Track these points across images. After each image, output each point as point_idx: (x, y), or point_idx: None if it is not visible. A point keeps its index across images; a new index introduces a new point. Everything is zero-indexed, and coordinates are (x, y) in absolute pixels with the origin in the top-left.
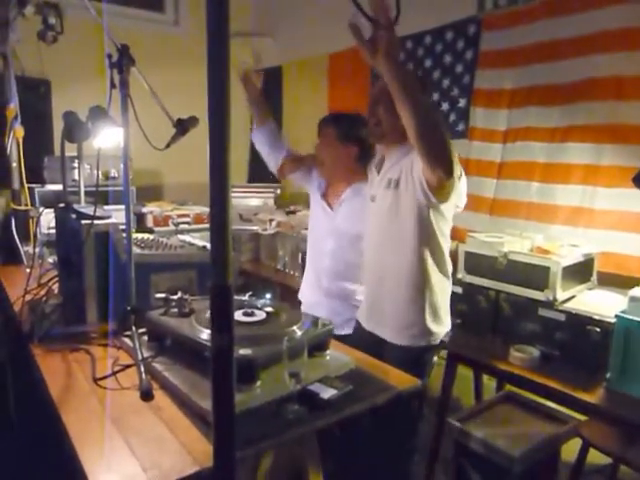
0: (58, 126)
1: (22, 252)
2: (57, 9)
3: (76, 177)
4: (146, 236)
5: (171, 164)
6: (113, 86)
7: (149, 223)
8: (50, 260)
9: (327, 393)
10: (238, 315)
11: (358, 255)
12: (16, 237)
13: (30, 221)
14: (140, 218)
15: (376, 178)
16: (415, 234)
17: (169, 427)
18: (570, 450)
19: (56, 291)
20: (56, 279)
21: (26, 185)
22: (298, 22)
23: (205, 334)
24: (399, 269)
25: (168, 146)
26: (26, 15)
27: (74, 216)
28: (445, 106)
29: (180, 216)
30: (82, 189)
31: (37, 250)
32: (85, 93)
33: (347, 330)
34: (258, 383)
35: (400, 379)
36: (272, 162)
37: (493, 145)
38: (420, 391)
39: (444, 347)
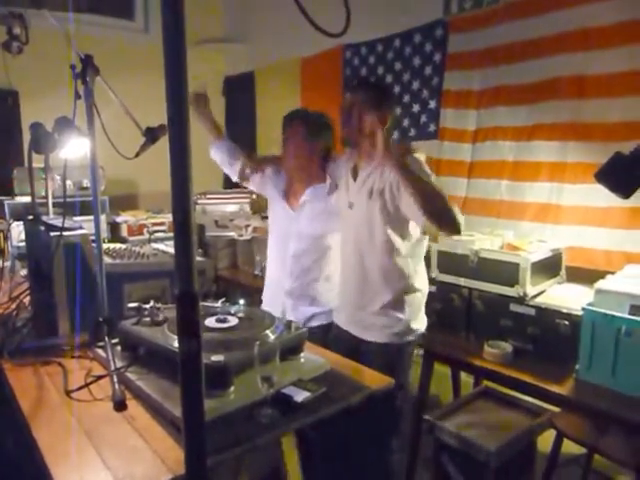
0: (27, 137)
1: None
2: (21, 19)
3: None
4: (118, 246)
5: (145, 172)
6: (78, 97)
7: (124, 232)
8: (22, 273)
9: (300, 396)
10: (211, 322)
11: (320, 254)
12: None
13: (0, 234)
14: (115, 227)
15: (352, 185)
16: (398, 241)
17: (143, 437)
18: (545, 442)
19: (28, 304)
20: (27, 292)
21: None
22: (270, 27)
23: (175, 342)
24: (380, 274)
25: (137, 155)
26: None
27: (43, 228)
28: (416, 108)
29: (155, 224)
30: (50, 200)
31: (8, 263)
32: (54, 103)
33: (313, 323)
34: (231, 388)
35: (374, 379)
36: (234, 171)
37: (463, 145)
38: (395, 389)
39: (420, 343)
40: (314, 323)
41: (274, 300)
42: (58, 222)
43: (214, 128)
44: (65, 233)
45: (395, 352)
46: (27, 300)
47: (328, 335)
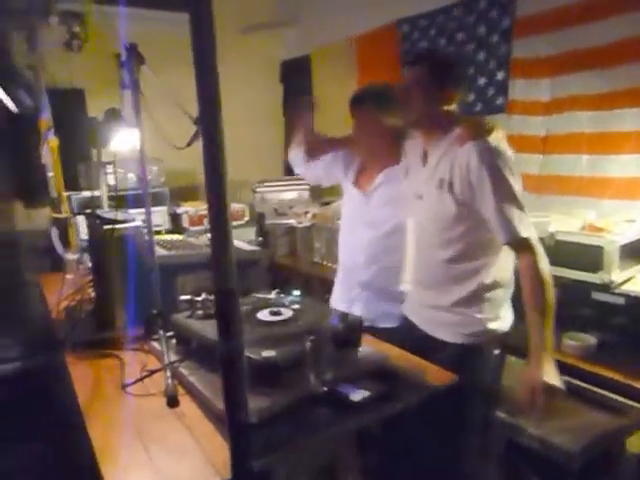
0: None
1: (63, 259)
2: (80, 18)
3: (110, 182)
4: (174, 237)
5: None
6: (125, 86)
7: (184, 223)
8: (89, 265)
9: (357, 394)
10: (264, 314)
11: (396, 244)
12: (57, 244)
13: (70, 228)
14: (175, 218)
15: (422, 173)
16: (471, 234)
17: (193, 435)
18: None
19: (92, 297)
20: (91, 284)
21: (64, 193)
22: (323, 6)
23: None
24: (452, 269)
25: (189, 144)
26: (51, 25)
27: (98, 222)
28: (482, 80)
29: None
30: (105, 194)
31: (77, 256)
32: (117, 99)
33: (388, 323)
34: (283, 386)
35: (438, 375)
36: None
37: (536, 118)
38: (468, 393)
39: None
40: (386, 322)
41: (347, 292)
42: (113, 215)
43: (308, 134)
44: (118, 226)
45: (470, 354)
46: (92, 292)
47: (399, 335)
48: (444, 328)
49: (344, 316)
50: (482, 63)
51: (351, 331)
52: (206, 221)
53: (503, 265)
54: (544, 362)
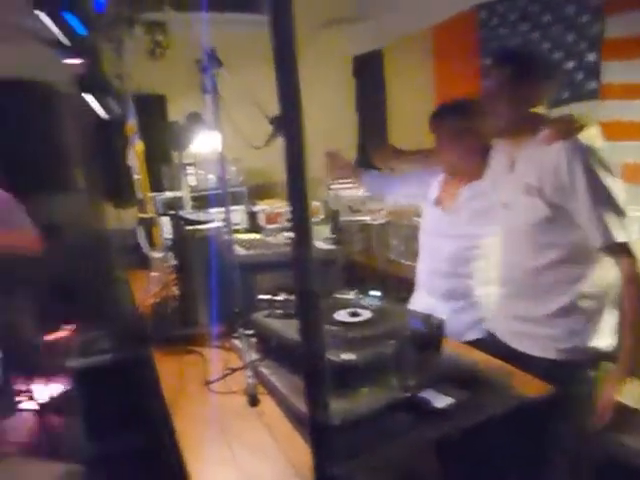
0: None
1: (149, 257)
2: (162, 27)
3: (191, 183)
4: (253, 236)
5: (279, 161)
6: (206, 90)
7: (261, 221)
8: (172, 264)
9: (441, 401)
10: (343, 315)
11: (478, 257)
12: (142, 243)
13: (154, 228)
14: (252, 217)
15: (509, 181)
16: (564, 239)
17: (272, 435)
18: None
19: (176, 294)
20: (175, 282)
21: (149, 194)
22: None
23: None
24: (545, 278)
25: (267, 144)
26: (135, 35)
27: (182, 222)
28: (570, 64)
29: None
30: (187, 195)
31: (161, 255)
32: (196, 103)
33: (472, 335)
34: (363, 390)
35: (528, 385)
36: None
37: (636, 102)
38: (559, 415)
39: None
40: (468, 334)
41: (426, 303)
42: (196, 216)
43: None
44: (200, 227)
45: (562, 370)
46: (176, 290)
47: (481, 348)
48: (534, 341)
49: (426, 318)
50: (570, 45)
51: (433, 334)
52: (282, 219)
53: (603, 274)
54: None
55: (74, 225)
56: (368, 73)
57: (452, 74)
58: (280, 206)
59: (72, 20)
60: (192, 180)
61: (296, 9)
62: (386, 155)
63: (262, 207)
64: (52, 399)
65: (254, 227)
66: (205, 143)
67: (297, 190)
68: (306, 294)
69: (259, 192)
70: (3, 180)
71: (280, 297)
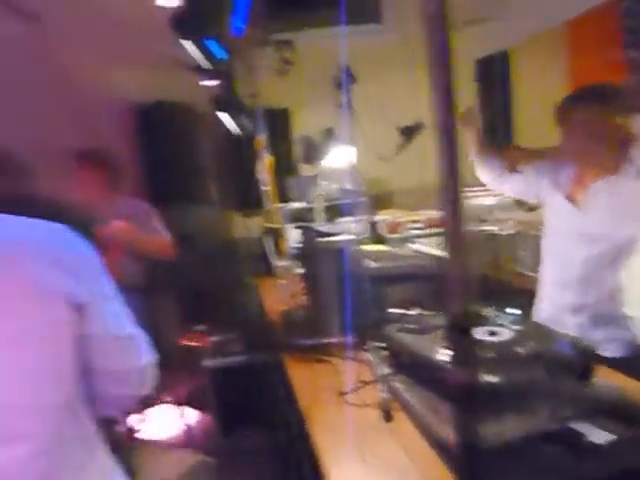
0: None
1: (275, 266)
2: (291, 45)
3: (319, 194)
4: (378, 248)
5: (397, 169)
6: (340, 106)
7: (382, 231)
8: (299, 272)
9: (598, 436)
10: (482, 333)
11: (617, 262)
12: (269, 252)
13: (281, 237)
14: (372, 227)
15: None
16: None
17: (409, 453)
18: None
19: (305, 303)
20: (303, 292)
21: (277, 205)
22: None
23: (444, 355)
24: None
25: (396, 154)
26: (266, 54)
27: (313, 234)
28: None
29: (412, 222)
30: (319, 206)
31: (287, 264)
32: (318, 116)
33: (610, 352)
34: (506, 416)
35: None
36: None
37: None
38: None
39: None
40: (607, 351)
41: (555, 315)
42: (325, 228)
43: (481, 143)
44: (331, 238)
45: None
46: (305, 299)
47: (626, 366)
48: None
49: (576, 341)
50: None
51: (585, 359)
52: (402, 229)
53: None
54: None
55: (206, 234)
56: (492, 75)
57: (590, 68)
58: (400, 216)
59: (213, 46)
60: (319, 191)
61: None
62: (513, 155)
63: (383, 217)
64: (188, 395)
65: (375, 237)
66: (337, 156)
67: (450, 200)
68: (459, 315)
69: (375, 201)
70: (145, 191)
71: (413, 311)
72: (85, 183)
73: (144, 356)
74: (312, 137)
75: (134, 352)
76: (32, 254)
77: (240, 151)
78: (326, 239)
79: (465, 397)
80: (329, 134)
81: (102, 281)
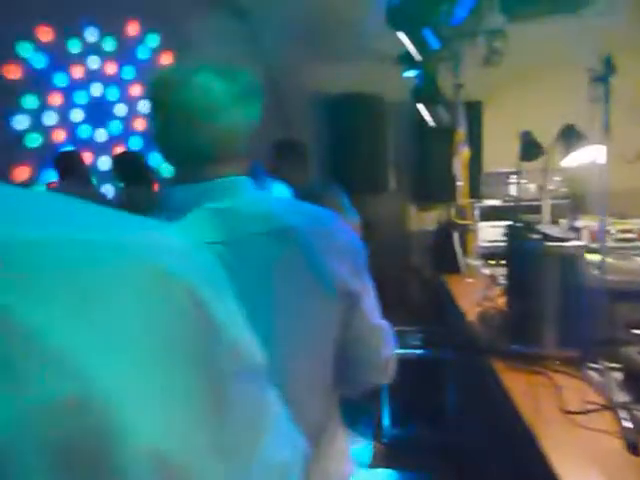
0: (488, 145)
1: (462, 263)
2: (502, 34)
3: (512, 192)
4: (595, 256)
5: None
6: (593, 100)
7: (585, 239)
8: (484, 272)
9: None
10: None
11: None
12: (457, 248)
13: (469, 234)
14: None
15: None
16: None
17: None
18: None
19: (501, 306)
20: (502, 294)
21: (468, 200)
22: None
23: None
24: None
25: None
26: (475, 45)
27: (533, 235)
28: None
29: (622, 232)
30: (546, 205)
31: (478, 263)
32: (514, 111)
33: None
34: None
35: None
36: None
37: None
38: None
39: None
40: None
41: None
42: (552, 231)
43: None
44: (559, 244)
45: None
46: (500, 301)
47: None
48: None
49: None
50: None
51: None
52: (610, 238)
53: None
54: None
55: (386, 223)
56: None
57: None
58: (610, 222)
59: (429, 36)
60: (513, 190)
61: None
62: None
63: (585, 223)
64: None
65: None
66: (574, 157)
67: None
68: None
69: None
70: (337, 180)
71: None
72: (283, 172)
73: (391, 346)
74: (531, 133)
75: (385, 341)
76: (320, 242)
77: (435, 144)
78: (554, 244)
79: None
80: (569, 133)
81: (365, 269)
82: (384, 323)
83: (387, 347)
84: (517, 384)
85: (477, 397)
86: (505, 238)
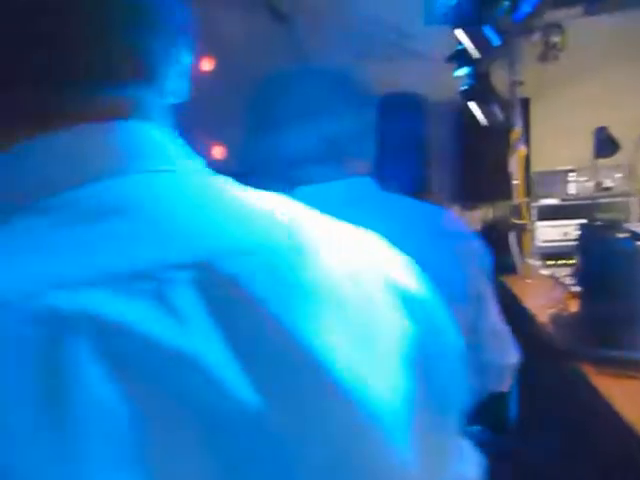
0: (535, 143)
1: (519, 264)
2: (561, 28)
3: (570, 191)
4: None
5: None
6: None
7: None
8: (544, 273)
9: None
10: None
11: None
12: (514, 248)
13: (525, 234)
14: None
15: None
16: None
17: None
18: None
19: (574, 308)
20: (573, 296)
21: (524, 199)
22: None
23: None
24: None
25: None
26: (532, 40)
27: (618, 234)
28: None
29: None
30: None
31: (537, 263)
32: (564, 108)
33: None
34: None
35: None
36: None
37: None
38: None
39: None
40: None
41: None
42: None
43: None
44: None
45: None
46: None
47: None
48: None
49: None
50: None
51: None
52: None
53: None
54: None
55: None
56: None
57: None
58: None
59: (489, 33)
60: (572, 188)
61: None
62: None
63: None
64: None
65: None
66: None
67: None
68: None
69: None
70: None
71: None
72: None
73: (515, 353)
74: (607, 129)
75: (509, 347)
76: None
77: (487, 143)
78: None
79: None
80: None
81: (488, 271)
82: (507, 328)
83: (509, 353)
84: (613, 390)
85: (551, 404)
86: (577, 237)
